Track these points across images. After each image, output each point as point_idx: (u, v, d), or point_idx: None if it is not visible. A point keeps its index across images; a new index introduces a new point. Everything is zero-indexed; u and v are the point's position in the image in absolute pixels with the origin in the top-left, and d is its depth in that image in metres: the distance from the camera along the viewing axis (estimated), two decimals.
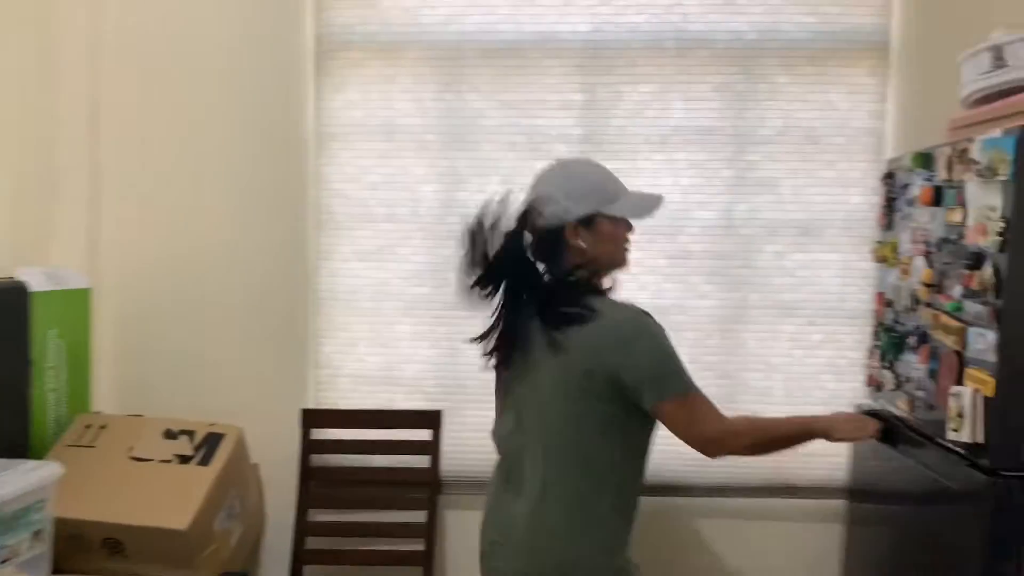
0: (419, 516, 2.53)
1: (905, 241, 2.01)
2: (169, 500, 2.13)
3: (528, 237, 1.64)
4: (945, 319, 1.73)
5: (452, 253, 2.60)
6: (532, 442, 1.63)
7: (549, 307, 1.60)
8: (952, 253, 1.73)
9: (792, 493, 2.59)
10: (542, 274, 1.65)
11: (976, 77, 1.90)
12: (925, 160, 1.91)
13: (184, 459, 2.26)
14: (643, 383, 1.54)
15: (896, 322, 2.03)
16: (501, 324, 1.66)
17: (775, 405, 2.56)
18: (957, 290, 1.70)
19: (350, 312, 2.65)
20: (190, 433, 2.32)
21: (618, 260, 1.72)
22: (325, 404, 2.65)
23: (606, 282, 1.69)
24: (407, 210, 2.63)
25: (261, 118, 2.59)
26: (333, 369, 2.66)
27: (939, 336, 1.76)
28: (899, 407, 1.98)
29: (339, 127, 2.62)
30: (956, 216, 1.71)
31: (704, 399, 1.59)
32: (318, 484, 2.60)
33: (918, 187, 1.90)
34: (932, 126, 2.26)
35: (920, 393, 1.85)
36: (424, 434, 2.58)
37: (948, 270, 1.75)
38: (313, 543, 2.56)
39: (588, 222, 1.64)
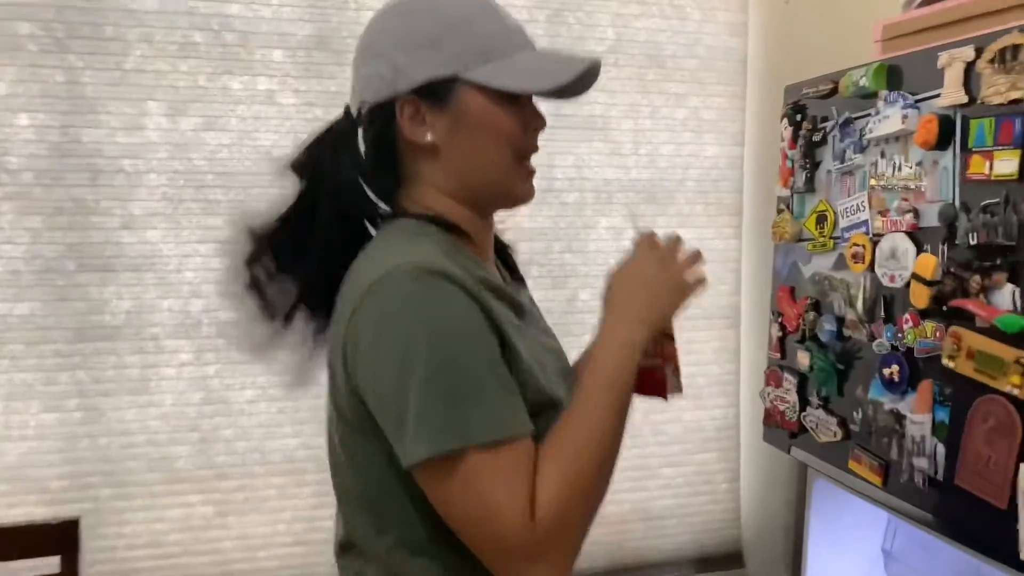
0: None
1: (850, 208, 1.28)
2: None
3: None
4: (984, 342, 1.01)
5: (93, 235, 1.48)
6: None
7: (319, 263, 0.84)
8: (990, 229, 1.02)
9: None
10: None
11: None
12: (894, 77, 1.18)
13: None
14: (384, 416, 0.75)
15: (840, 337, 1.31)
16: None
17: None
18: (1008, 293, 0.99)
19: None
20: None
21: (500, 176, 0.84)
22: None
23: (470, 222, 0.85)
24: None
25: None
26: None
27: (966, 370, 1.04)
28: (860, 471, 1.25)
29: None
30: (1007, 167, 0.99)
31: (505, 462, 0.72)
32: None
33: (897, 118, 1.17)
34: (825, 46, 1.60)
35: (921, 462, 1.13)
36: (48, 564, 1.44)
37: (977, 259, 1.03)
38: None
39: (439, 94, 0.80)
